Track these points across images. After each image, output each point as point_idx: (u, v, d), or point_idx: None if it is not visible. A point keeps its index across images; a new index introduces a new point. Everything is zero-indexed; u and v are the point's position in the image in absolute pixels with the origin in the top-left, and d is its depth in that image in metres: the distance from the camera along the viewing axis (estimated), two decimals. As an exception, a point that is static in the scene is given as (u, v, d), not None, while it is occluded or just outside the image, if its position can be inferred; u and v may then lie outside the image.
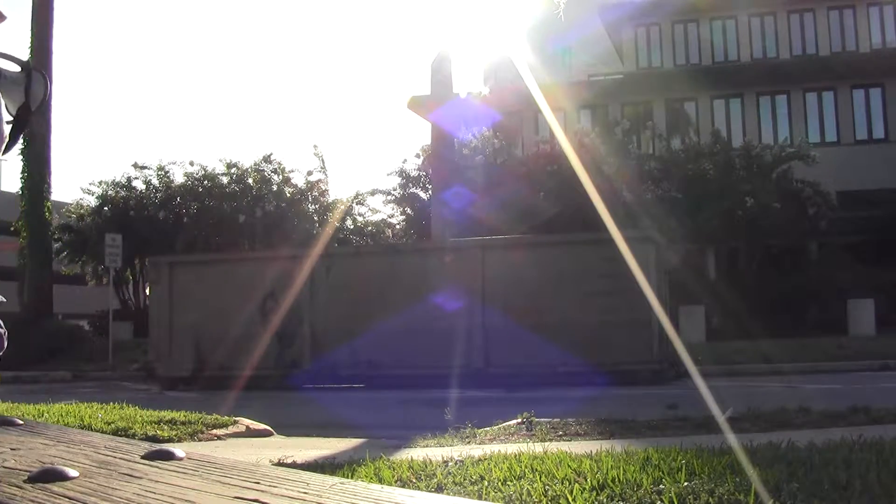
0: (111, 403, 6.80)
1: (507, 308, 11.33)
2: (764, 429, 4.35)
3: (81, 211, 22.93)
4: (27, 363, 17.09)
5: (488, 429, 5.12)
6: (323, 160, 23.84)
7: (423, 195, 22.95)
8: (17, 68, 3.50)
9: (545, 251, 12.01)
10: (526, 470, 2.87)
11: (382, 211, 24.68)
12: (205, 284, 12.63)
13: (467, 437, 4.80)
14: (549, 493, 2.48)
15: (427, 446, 4.41)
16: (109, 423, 5.54)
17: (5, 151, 3.55)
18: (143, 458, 1.11)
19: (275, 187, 22.87)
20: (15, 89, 3.41)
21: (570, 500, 2.39)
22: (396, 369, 11.54)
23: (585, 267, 11.24)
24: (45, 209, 20.00)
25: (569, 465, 2.87)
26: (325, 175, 23.84)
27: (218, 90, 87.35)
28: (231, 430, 5.92)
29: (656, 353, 10.91)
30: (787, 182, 19.80)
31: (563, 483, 2.59)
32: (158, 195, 22.57)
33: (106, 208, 22.51)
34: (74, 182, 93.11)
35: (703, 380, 6.91)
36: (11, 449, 1.19)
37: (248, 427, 6.09)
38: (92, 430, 4.97)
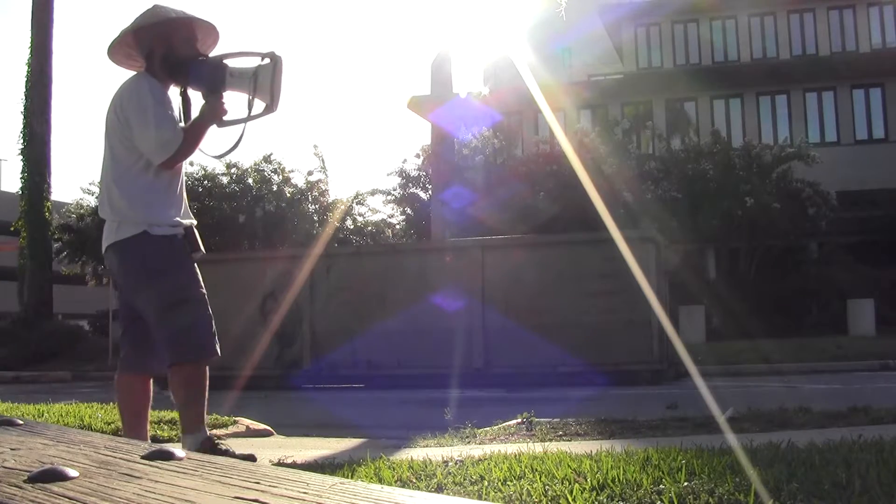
0: (111, 403, 6.79)
1: (507, 308, 11.32)
2: (764, 429, 4.35)
3: (81, 211, 22.91)
4: (27, 363, 17.11)
5: (488, 429, 5.12)
6: (323, 160, 23.84)
7: (423, 195, 22.96)
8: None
9: (545, 251, 12.00)
10: (526, 470, 2.87)
11: (382, 211, 24.69)
12: (204, 284, 12.61)
13: (467, 437, 4.80)
14: (549, 493, 2.48)
15: (427, 446, 4.41)
16: (109, 423, 5.54)
17: (230, 151, 3.78)
18: (143, 458, 1.11)
19: (275, 187, 22.86)
20: (245, 85, 3.61)
21: (570, 500, 2.39)
22: (396, 369, 11.54)
23: (585, 267, 11.24)
24: (45, 209, 20.01)
25: (569, 465, 2.87)
26: (325, 175, 23.83)
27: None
28: (231, 430, 5.91)
29: (656, 353, 10.91)
30: (787, 182, 19.80)
31: (563, 483, 2.59)
32: (158, 195, 22.53)
33: (106, 208, 22.49)
34: (74, 182, 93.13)
35: (703, 380, 6.92)
36: (11, 449, 1.19)
37: (248, 427, 6.08)
38: (92, 430, 4.97)
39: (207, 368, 3.62)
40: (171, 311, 3.49)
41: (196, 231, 3.68)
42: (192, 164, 23.06)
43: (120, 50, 3.67)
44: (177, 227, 3.56)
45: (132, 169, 3.51)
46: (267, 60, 3.56)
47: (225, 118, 3.62)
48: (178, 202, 3.63)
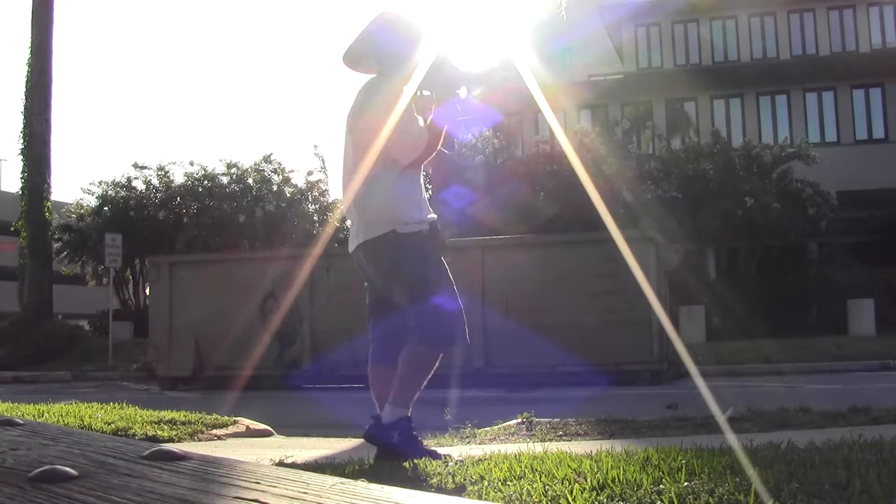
0: (111, 403, 6.79)
1: (507, 308, 11.31)
2: (764, 429, 4.35)
3: (81, 211, 22.93)
4: (27, 363, 17.10)
5: (488, 429, 5.12)
6: (323, 160, 23.86)
7: (422, 195, 22.93)
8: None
9: (545, 251, 12.00)
10: (526, 470, 2.87)
11: (383, 211, 24.65)
12: (205, 284, 12.61)
13: (467, 437, 4.80)
14: (549, 493, 2.48)
15: (427, 446, 4.41)
16: (109, 423, 5.53)
17: (461, 145, 3.99)
18: (143, 458, 1.11)
19: (275, 187, 22.87)
20: (472, 81, 3.81)
21: (570, 500, 2.39)
22: (396, 369, 11.53)
23: (586, 267, 11.23)
24: (45, 209, 19.99)
25: (569, 465, 2.87)
26: (326, 175, 23.84)
27: (218, 90, 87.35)
28: (231, 430, 5.91)
29: (656, 353, 10.90)
30: (787, 182, 19.80)
31: (563, 483, 2.59)
32: (158, 195, 22.56)
33: (106, 208, 22.50)
34: (74, 182, 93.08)
35: (704, 380, 6.91)
36: (11, 449, 1.19)
37: (248, 427, 6.09)
38: (92, 430, 4.97)
39: (438, 360, 3.80)
40: (419, 303, 3.64)
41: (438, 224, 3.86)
42: (191, 163, 23.08)
43: (352, 57, 3.91)
44: (422, 223, 3.71)
45: (380, 170, 3.64)
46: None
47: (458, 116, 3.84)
48: (421, 198, 3.81)
